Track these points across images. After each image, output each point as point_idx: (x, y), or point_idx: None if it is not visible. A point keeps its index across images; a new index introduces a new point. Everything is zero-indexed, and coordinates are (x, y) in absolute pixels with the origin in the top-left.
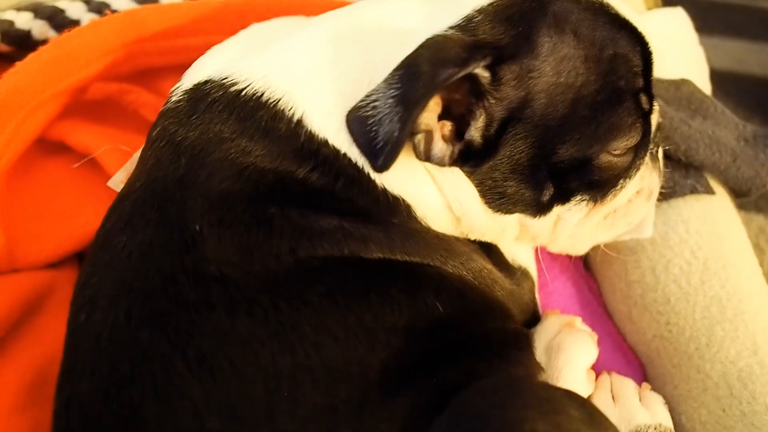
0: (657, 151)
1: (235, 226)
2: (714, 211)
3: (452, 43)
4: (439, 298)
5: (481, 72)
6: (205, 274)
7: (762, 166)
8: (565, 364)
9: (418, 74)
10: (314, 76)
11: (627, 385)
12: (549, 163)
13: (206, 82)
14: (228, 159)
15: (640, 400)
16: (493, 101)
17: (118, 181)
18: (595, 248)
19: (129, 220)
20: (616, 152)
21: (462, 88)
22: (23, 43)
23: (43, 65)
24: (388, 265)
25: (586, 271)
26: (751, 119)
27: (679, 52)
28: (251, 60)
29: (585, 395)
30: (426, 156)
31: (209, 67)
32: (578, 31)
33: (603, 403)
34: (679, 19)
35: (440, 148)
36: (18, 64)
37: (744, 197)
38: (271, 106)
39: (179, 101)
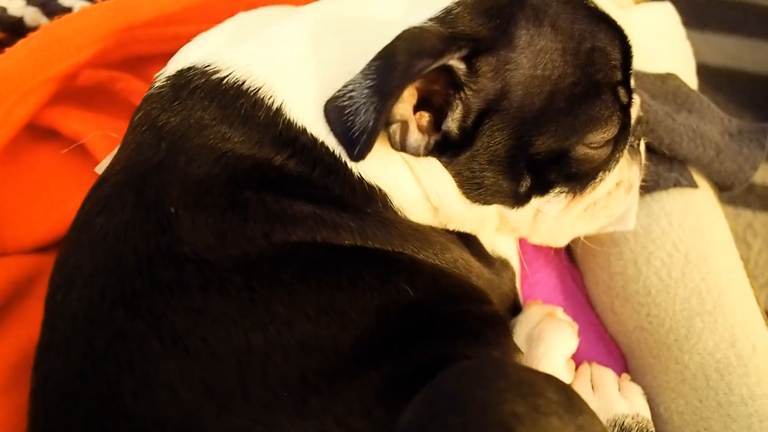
0: (638, 145)
1: (210, 209)
2: (697, 205)
3: (429, 34)
4: (410, 283)
5: (457, 63)
6: (179, 255)
7: (745, 160)
8: (544, 353)
9: (394, 65)
10: (295, 65)
11: (606, 375)
12: (526, 155)
13: (190, 68)
14: (207, 145)
15: (619, 390)
16: (470, 93)
17: (105, 167)
18: (578, 240)
19: (107, 203)
20: (593, 144)
21: (440, 80)
22: (16, 30)
23: (33, 51)
24: (360, 251)
25: (570, 262)
26: (743, 115)
27: (666, 46)
28: (234, 49)
29: None
30: (401, 146)
31: (194, 54)
32: (556, 24)
33: (582, 393)
34: (666, 13)
35: (415, 138)
36: (8, 50)
37: (727, 191)
38: (252, 94)
39: (162, 87)
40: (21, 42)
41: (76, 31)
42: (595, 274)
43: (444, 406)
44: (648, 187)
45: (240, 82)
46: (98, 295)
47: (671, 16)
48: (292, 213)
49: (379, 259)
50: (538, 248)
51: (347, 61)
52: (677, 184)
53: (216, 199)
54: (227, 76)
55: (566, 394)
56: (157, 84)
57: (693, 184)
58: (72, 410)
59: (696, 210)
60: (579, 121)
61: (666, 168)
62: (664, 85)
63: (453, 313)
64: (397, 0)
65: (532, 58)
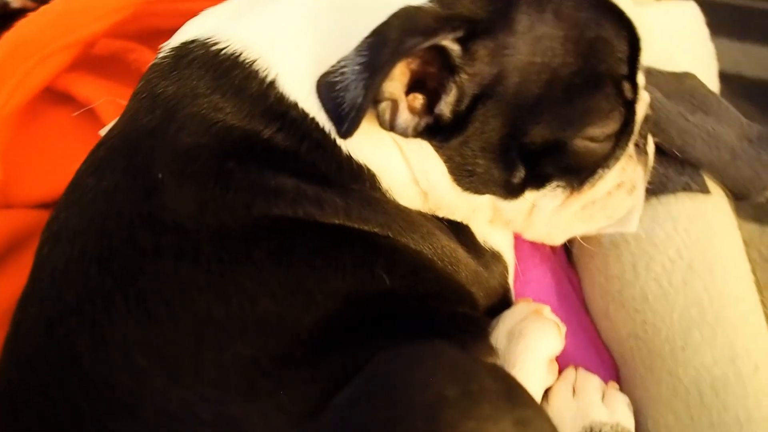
0: (644, 145)
1: (195, 177)
2: (707, 212)
3: (424, 13)
4: (388, 270)
5: (450, 44)
6: (159, 220)
7: (763, 167)
8: (524, 350)
9: (385, 42)
10: (292, 40)
11: (590, 381)
12: (520, 144)
13: (193, 41)
14: (200, 114)
15: (603, 397)
16: (465, 76)
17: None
18: (576, 240)
19: (100, 165)
20: (591, 138)
21: (435, 62)
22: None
23: (55, 17)
24: (341, 230)
25: (567, 263)
26: (761, 124)
27: (686, 46)
28: (236, 22)
29: (542, 384)
30: (390, 125)
31: (198, 27)
32: (559, 11)
33: (562, 395)
34: (689, 12)
35: (404, 118)
36: (30, 14)
37: (743, 200)
38: (246, 65)
39: (165, 57)
40: (43, 8)
41: (96, 1)
42: (591, 276)
43: (375, 386)
44: (655, 189)
45: (236, 54)
46: (78, 253)
47: (694, 15)
48: (275, 185)
49: (360, 240)
50: (535, 246)
51: (344, 38)
52: (687, 188)
53: (201, 168)
54: (225, 48)
55: (507, 384)
56: (160, 55)
57: (704, 190)
58: (35, 360)
59: (705, 216)
60: (576, 112)
61: (676, 171)
62: (680, 84)
63: (424, 311)
64: None
65: (531, 44)
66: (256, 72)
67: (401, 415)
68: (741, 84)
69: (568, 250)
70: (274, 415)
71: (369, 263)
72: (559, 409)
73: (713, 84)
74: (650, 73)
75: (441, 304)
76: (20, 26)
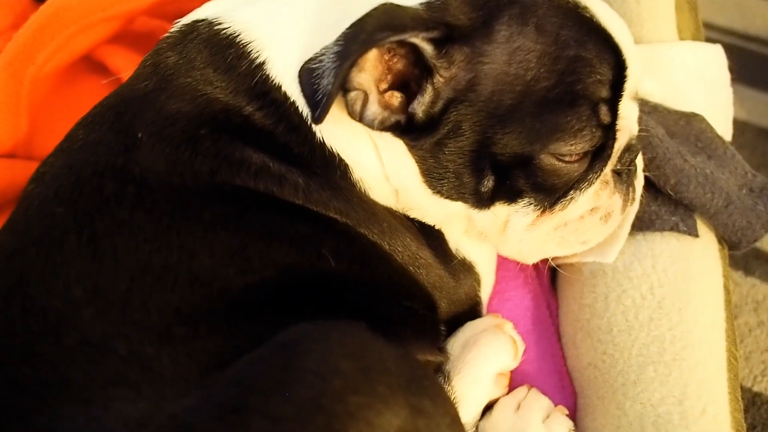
0: (627, 174)
1: (170, 140)
2: (691, 254)
3: (402, 11)
4: (335, 253)
5: (422, 43)
6: (128, 173)
7: (758, 218)
8: (473, 359)
9: (359, 33)
10: (288, 28)
11: (537, 400)
12: (489, 152)
13: (202, 20)
14: (190, 85)
15: (548, 418)
16: (441, 79)
17: None
18: (565, 267)
19: (92, 120)
20: (562, 157)
21: (418, 63)
22: None
23: None
24: (299, 210)
25: (551, 289)
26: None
27: (703, 88)
28: (242, 8)
29: (485, 395)
30: (360, 116)
31: (212, 8)
32: (542, 26)
33: (505, 408)
34: (712, 55)
35: (373, 110)
36: None
37: (734, 250)
38: (241, 46)
39: (175, 31)
40: None
41: None
42: (567, 303)
43: (276, 350)
44: (642, 225)
45: (235, 35)
46: (53, 193)
47: (718, 58)
48: (240, 157)
49: (313, 221)
50: (523, 268)
51: (338, 31)
52: (675, 228)
53: (177, 132)
54: (226, 28)
55: (413, 373)
56: (173, 29)
57: (693, 233)
58: None
59: (688, 259)
60: (545, 127)
61: (668, 210)
62: (688, 125)
63: (366, 297)
64: None
65: (508, 54)
66: (249, 53)
67: (291, 379)
68: (756, 134)
69: (553, 276)
70: (184, 360)
71: (317, 243)
72: (497, 421)
73: (727, 129)
74: (657, 109)
75: (386, 294)
76: None
